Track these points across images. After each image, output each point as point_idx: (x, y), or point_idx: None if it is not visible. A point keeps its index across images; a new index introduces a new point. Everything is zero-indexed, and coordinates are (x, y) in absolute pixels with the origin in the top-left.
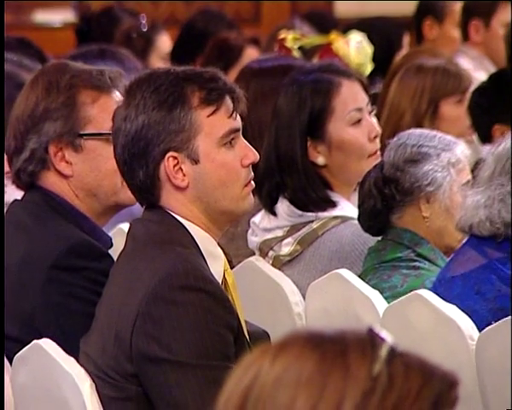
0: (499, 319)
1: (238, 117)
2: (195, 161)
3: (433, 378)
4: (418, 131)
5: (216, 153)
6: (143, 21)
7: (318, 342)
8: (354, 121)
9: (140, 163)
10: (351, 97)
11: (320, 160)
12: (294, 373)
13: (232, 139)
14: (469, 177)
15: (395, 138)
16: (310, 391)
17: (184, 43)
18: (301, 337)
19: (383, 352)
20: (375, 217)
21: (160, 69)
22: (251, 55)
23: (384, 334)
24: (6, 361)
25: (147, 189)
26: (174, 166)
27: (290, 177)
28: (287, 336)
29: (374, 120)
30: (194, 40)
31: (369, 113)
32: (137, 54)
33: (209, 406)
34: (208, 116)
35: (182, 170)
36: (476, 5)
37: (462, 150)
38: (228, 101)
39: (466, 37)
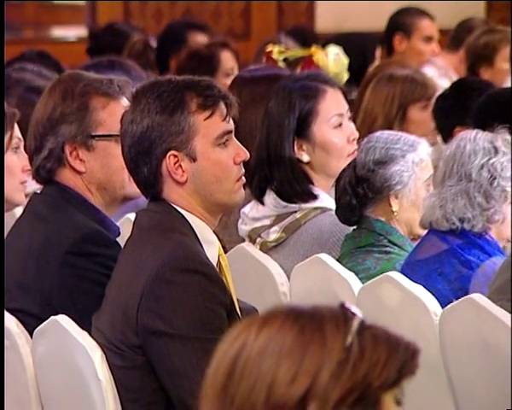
0: (459, 298)
1: (231, 120)
2: (193, 159)
3: (398, 349)
4: (386, 133)
5: (211, 152)
6: (152, 39)
7: (298, 316)
8: (336, 125)
9: (144, 161)
10: (334, 103)
11: (305, 157)
12: (276, 345)
13: (226, 140)
14: (431, 172)
15: (365, 140)
16: (290, 362)
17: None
18: (282, 312)
19: (354, 325)
20: (351, 211)
21: (162, 78)
22: (227, 57)
23: (355, 309)
24: (27, 334)
25: (150, 183)
26: (174, 163)
27: (278, 171)
28: (269, 311)
29: (352, 124)
30: (171, 45)
31: (349, 118)
32: (150, 65)
33: (204, 373)
34: (205, 120)
35: (181, 167)
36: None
37: (424, 149)
38: (222, 106)
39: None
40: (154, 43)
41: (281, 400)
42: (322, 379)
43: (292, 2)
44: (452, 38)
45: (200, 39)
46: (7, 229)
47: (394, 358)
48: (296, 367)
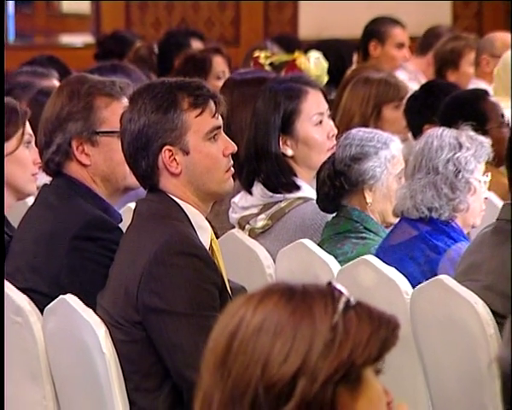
0: (428, 279)
1: (219, 117)
2: (186, 153)
3: (380, 327)
4: (361, 131)
5: (202, 146)
6: (155, 46)
7: (290, 296)
8: (317, 122)
9: (142, 155)
10: (315, 103)
11: (289, 151)
12: (271, 324)
13: (215, 134)
14: (403, 166)
15: (343, 137)
16: (283, 341)
17: (162, 54)
18: (277, 291)
19: (340, 306)
20: (330, 201)
21: (156, 80)
22: (218, 62)
23: (341, 287)
24: (38, 312)
25: (148, 175)
26: (169, 157)
27: (265, 164)
28: (266, 289)
29: (331, 122)
30: (170, 51)
31: (328, 116)
32: (153, 68)
33: (199, 347)
34: (196, 117)
35: (176, 160)
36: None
37: (395, 147)
38: (211, 104)
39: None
40: (156, 49)
41: (274, 378)
42: (311, 359)
43: (277, 13)
44: (421, 44)
45: (196, 46)
46: (20, 216)
47: (376, 336)
48: (288, 348)
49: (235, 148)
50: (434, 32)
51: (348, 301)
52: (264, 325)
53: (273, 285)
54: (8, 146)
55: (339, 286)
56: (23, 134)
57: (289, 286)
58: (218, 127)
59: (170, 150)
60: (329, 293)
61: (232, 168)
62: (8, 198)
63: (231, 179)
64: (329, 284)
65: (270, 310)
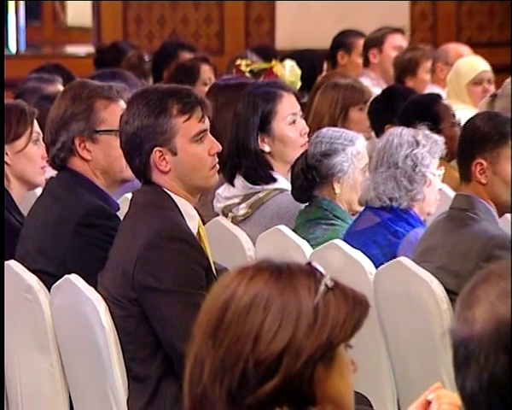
0: (389, 260)
1: (207, 120)
2: (175, 154)
3: (354, 308)
4: (331, 130)
5: (189, 147)
6: (145, 54)
7: (278, 276)
8: (291, 122)
9: (136, 154)
10: (289, 105)
11: (266, 148)
12: (261, 301)
13: (201, 137)
14: (367, 161)
15: (314, 135)
16: (273, 318)
17: (155, 63)
18: (267, 269)
19: (321, 288)
20: (303, 192)
21: (150, 87)
22: (205, 70)
23: (321, 269)
24: (46, 290)
25: (142, 171)
26: (159, 157)
27: (245, 159)
28: (258, 265)
29: (303, 121)
30: (162, 60)
31: (301, 116)
32: (143, 73)
33: (188, 320)
34: (184, 122)
35: (165, 159)
36: (372, 38)
37: (360, 143)
38: (198, 110)
39: (367, 63)
40: (146, 57)
41: (263, 354)
42: (296, 339)
43: (257, 26)
44: None
45: (186, 56)
46: (29, 206)
47: (351, 317)
48: (276, 326)
49: (220, 147)
50: None
51: (328, 281)
52: (255, 301)
53: (262, 262)
54: (19, 144)
55: (319, 267)
56: (31, 133)
57: (277, 265)
58: (205, 130)
59: (160, 151)
60: (312, 273)
61: (217, 165)
62: (20, 189)
63: (216, 175)
64: (309, 264)
65: (261, 287)
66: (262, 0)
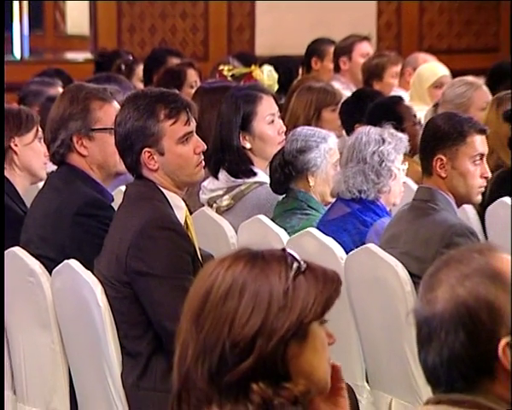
0: (358, 247)
1: (193, 122)
2: (162, 154)
3: (324, 287)
4: (305, 129)
5: (175, 148)
6: (130, 57)
7: (253, 264)
8: (269, 121)
9: (128, 153)
10: (268, 106)
11: (247, 145)
12: (237, 288)
13: (187, 138)
14: (338, 156)
15: (290, 134)
16: (246, 305)
17: (147, 67)
18: (243, 258)
19: (292, 273)
20: (280, 185)
21: (142, 91)
22: (191, 74)
23: (293, 253)
24: (47, 273)
25: (133, 168)
26: (148, 157)
27: (228, 155)
28: (235, 254)
29: (281, 121)
30: (153, 65)
31: (278, 117)
32: (125, 77)
33: (175, 302)
34: (170, 125)
35: (154, 159)
36: (341, 46)
37: (332, 141)
38: (184, 114)
39: (338, 69)
40: (136, 64)
41: (238, 337)
42: (267, 322)
43: (238, 35)
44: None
45: (174, 61)
46: (32, 197)
47: (321, 297)
48: (249, 312)
49: (205, 146)
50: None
51: (299, 265)
52: (231, 289)
53: (240, 252)
54: (28, 137)
55: (292, 252)
56: (37, 130)
57: (253, 253)
58: (190, 132)
59: (149, 152)
60: (284, 259)
61: (202, 162)
62: (24, 182)
63: (202, 171)
64: (283, 250)
65: (237, 275)
66: (243, 11)
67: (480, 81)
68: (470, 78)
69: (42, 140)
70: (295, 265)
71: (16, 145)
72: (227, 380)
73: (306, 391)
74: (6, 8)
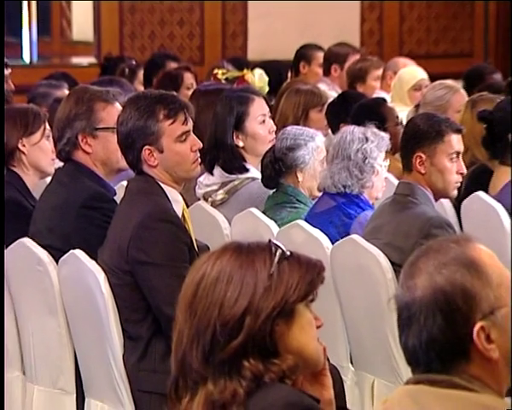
0: (343, 237)
1: (190, 122)
2: (161, 151)
3: (307, 271)
4: (294, 128)
5: (174, 146)
6: (133, 62)
7: (239, 254)
8: (261, 121)
9: (129, 151)
10: (259, 107)
11: (240, 143)
12: (225, 276)
13: (185, 137)
14: (325, 154)
15: (280, 133)
16: (234, 288)
17: (147, 71)
18: (230, 249)
19: (276, 259)
20: (271, 180)
21: (142, 93)
22: (188, 77)
23: (278, 243)
24: (54, 262)
25: (134, 164)
26: (148, 154)
27: (222, 153)
28: (222, 247)
29: (271, 121)
30: (153, 69)
31: (269, 117)
32: (128, 80)
33: (173, 289)
34: (169, 125)
35: (153, 156)
36: (336, 54)
37: (319, 139)
38: (182, 114)
39: (328, 73)
40: (138, 68)
41: (227, 317)
42: (254, 302)
43: (232, 41)
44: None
45: (172, 65)
46: (40, 192)
47: (303, 280)
48: (237, 294)
49: (201, 144)
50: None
51: (283, 253)
52: (220, 276)
53: (227, 245)
54: (35, 137)
55: (276, 242)
56: (45, 130)
57: (238, 245)
58: (187, 131)
59: (149, 149)
60: (268, 248)
61: (199, 159)
62: (34, 177)
63: (198, 168)
64: (269, 241)
65: (224, 265)
66: (236, 19)
67: (459, 85)
68: (449, 81)
69: (50, 137)
70: (279, 252)
71: (24, 146)
72: (220, 358)
73: (294, 366)
74: (16, 16)
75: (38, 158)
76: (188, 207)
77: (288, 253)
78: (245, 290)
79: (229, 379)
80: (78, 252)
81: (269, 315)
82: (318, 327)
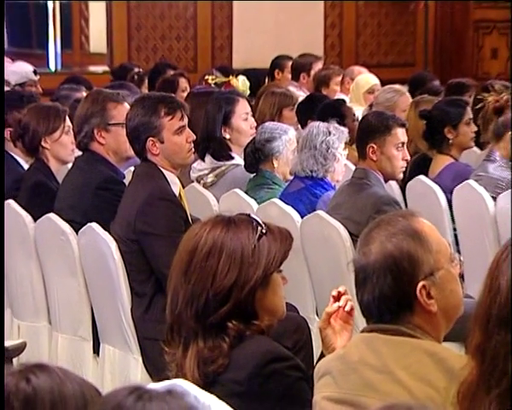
0: (310, 213)
1: (185, 118)
2: (162, 142)
3: (281, 244)
4: (271, 124)
5: (172, 138)
6: (140, 70)
7: (229, 227)
8: (244, 118)
9: (136, 142)
10: (243, 107)
11: (227, 136)
12: (216, 249)
13: (181, 130)
14: (295, 145)
15: (260, 127)
16: (224, 263)
17: (151, 77)
18: (220, 224)
19: (257, 235)
20: (252, 166)
21: (147, 94)
22: (183, 81)
23: (258, 219)
24: (75, 233)
25: (140, 153)
26: (152, 144)
27: (212, 144)
28: (213, 220)
29: (252, 118)
30: (155, 75)
31: (251, 115)
32: (136, 85)
33: (172, 255)
34: (169, 120)
35: (156, 146)
36: (303, 64)
37: (291, 133)
38: (179, 112)
39: (297, 79)
40: (145, 75)
41: (219, 288)
42: (241, 276)
43: (220, 52)
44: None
45: (171, 72)
46: (63, 176)
47: (279, 253)
48: (227, 268)
49: (194, 137)
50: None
51: (262, 229)
52: (212, 249)
53: (217, 218)
54: (56, 135)
55: (256, 217)
56: (64, 126)
57: (227, 219)
58: (184, 126)
59: (152, 140)
60: (250, 223)
61: (193, 148)
62: (56, 165)
63: (192, 156)
64: (249, 215)
65: (216, 238)
66: (223, 35)
67: (405, 89)
68: (397, 86)
69: (70, 132)
70: (259, 228)
71: (47, 142)
72: (210, 321)
73: (270, 325)
74: (43, 32)
75: (59, 151)
76: (184, 188)
77: (265, 227)
78: (233, 265)
79: (216, 337)
80: (95, 225)
81: (252, 287)
82: (284, 284)
